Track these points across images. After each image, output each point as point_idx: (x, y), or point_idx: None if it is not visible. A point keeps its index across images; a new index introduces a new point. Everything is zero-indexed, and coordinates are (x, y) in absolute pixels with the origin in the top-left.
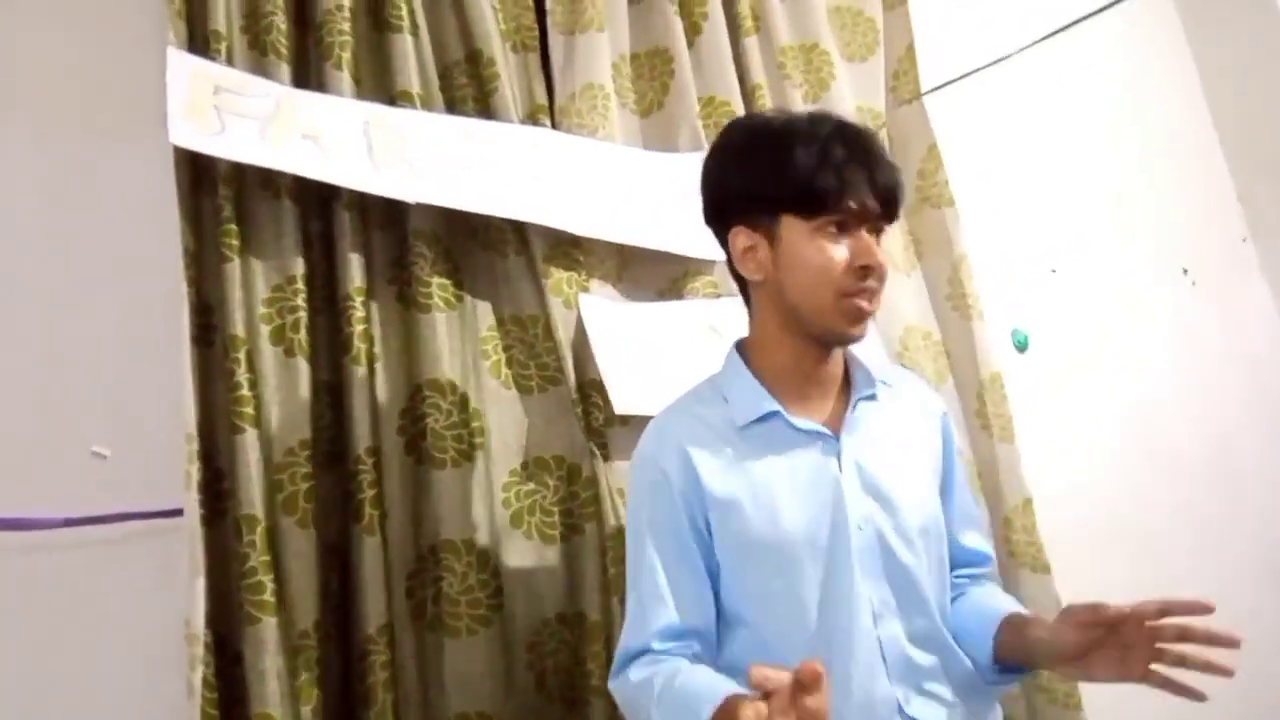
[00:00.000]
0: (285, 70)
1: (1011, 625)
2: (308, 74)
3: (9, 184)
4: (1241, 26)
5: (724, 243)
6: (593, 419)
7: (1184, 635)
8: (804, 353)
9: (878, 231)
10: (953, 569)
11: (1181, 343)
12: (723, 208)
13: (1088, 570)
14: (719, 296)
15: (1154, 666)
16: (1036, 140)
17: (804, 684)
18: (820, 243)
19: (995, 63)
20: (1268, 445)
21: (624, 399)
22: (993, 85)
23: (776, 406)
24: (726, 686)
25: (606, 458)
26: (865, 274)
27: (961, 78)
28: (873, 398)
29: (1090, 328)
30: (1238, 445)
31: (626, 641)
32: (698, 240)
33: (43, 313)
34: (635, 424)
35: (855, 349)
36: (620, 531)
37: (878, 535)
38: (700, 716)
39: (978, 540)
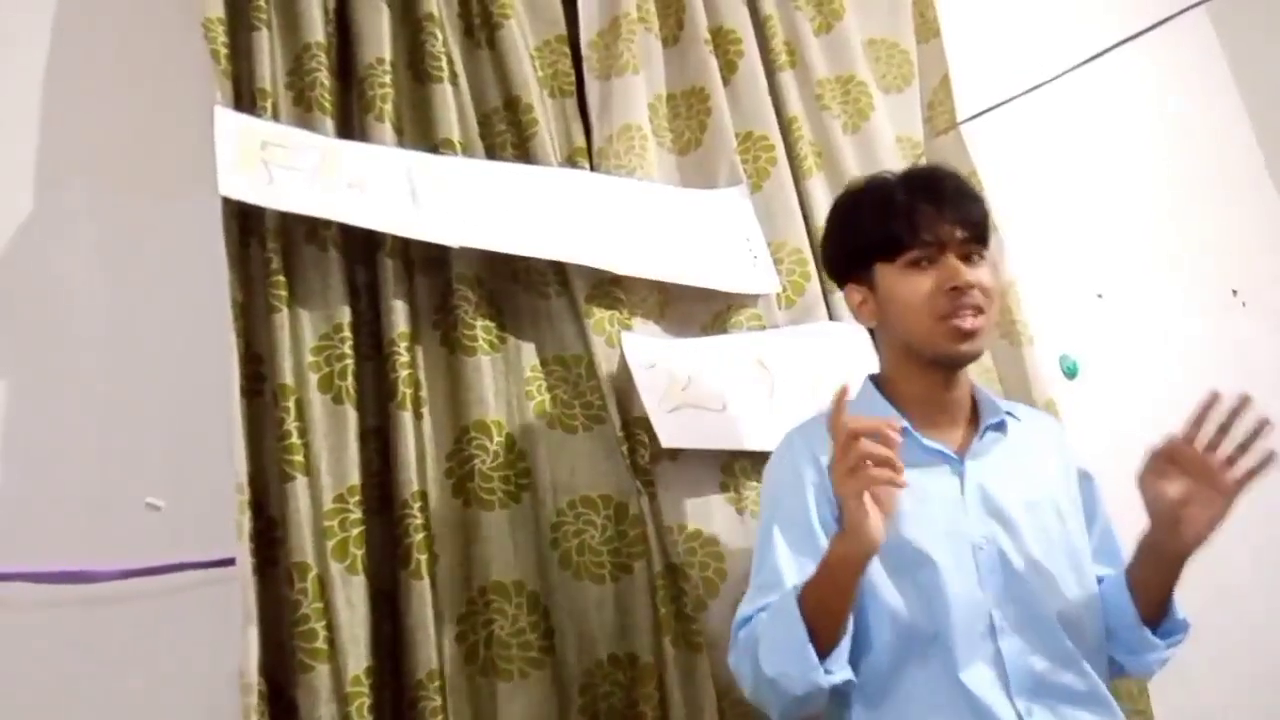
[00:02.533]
0: (329, 124)
1: (1132, 564)
2: (351, 127)
3: (67, 243)
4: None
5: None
6: (638, 456)
7: (1224, 428)
8: (929, 381)
9: (968, 257)
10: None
11: (1233, 364)
12: (835, 272)
13: None
14: (764, 329)
15: (1229, 475)
16: (1079, 165)
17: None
18: (909, 277)
19: (1032, 90)
20: None
21: (670, 433)
22: (1032, 111)
23: (905, 424)
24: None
25: (653, 496)
26: (958, 294)
27: (997, 106)
28: (1001, 427)
29: (1140, 352)
30: None
31: (738, 613)
32: (739, 275)
33: (98, 368)
34: (682, 460)
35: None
36: (669, 569)
37: (1000, 555)
38: (796, 590)
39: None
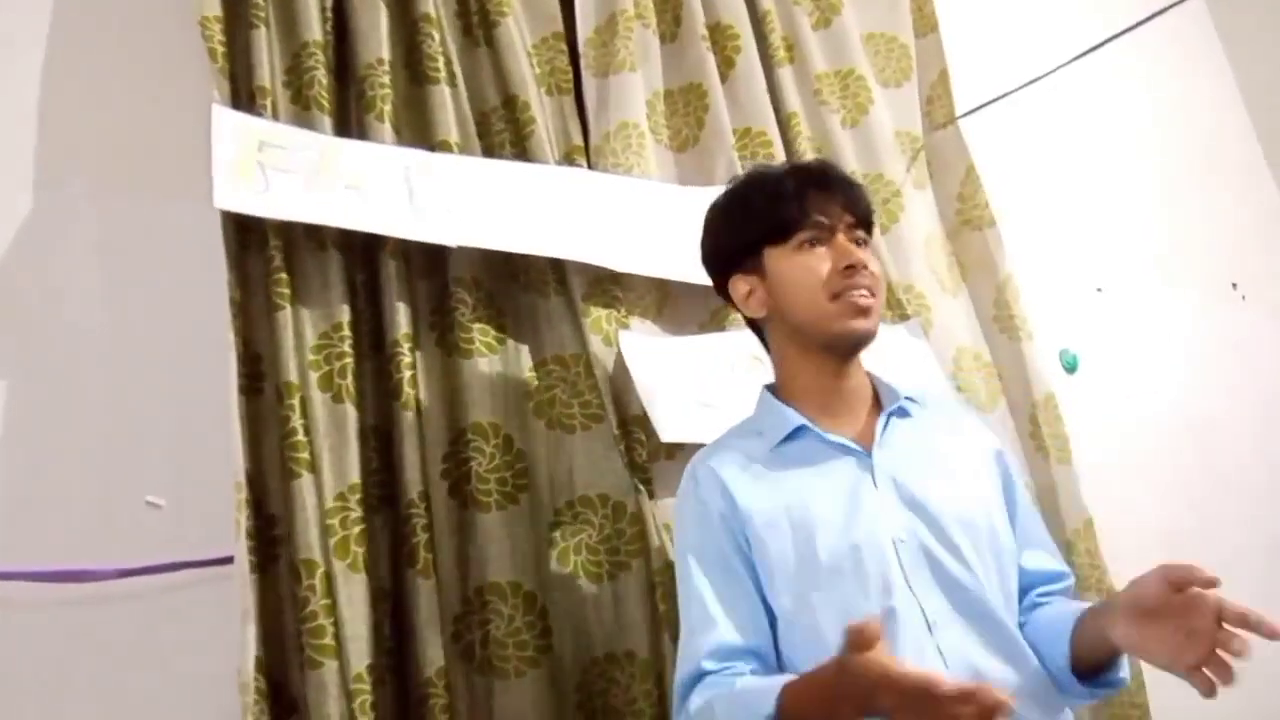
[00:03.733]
0: (327, 123)
1: (1084, 621)
2: (349, 126)
3: (66, 242)
4: (1275, 30)
5: (730, 300)
6: (636, 455)
7: (1243, 651)
8: (824, 369)
9: (858, 241)
10: (1026, 589)
11: (1233, 357)
12: (719, 268)
13: None
14: None
15: (1205, 669)
16: (1077, 158)
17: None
18: (801, 256)
19: (1030, 83)
20: None
21: (669, 428)
22: (1030, 105)
23: (804, 420)
24: (788, 676)
25: (651, 494)
26: (852, 273)
27: (995, 100)
28: (904, 414)
29: (1140, 346)
30: None
31: (679, 672)
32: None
33: (98, 367)
34: (681, 457)
35: (910, 373)
36: (668, 566)
37: (922, 548)
38: (767, 707)
39: (1050, 560)
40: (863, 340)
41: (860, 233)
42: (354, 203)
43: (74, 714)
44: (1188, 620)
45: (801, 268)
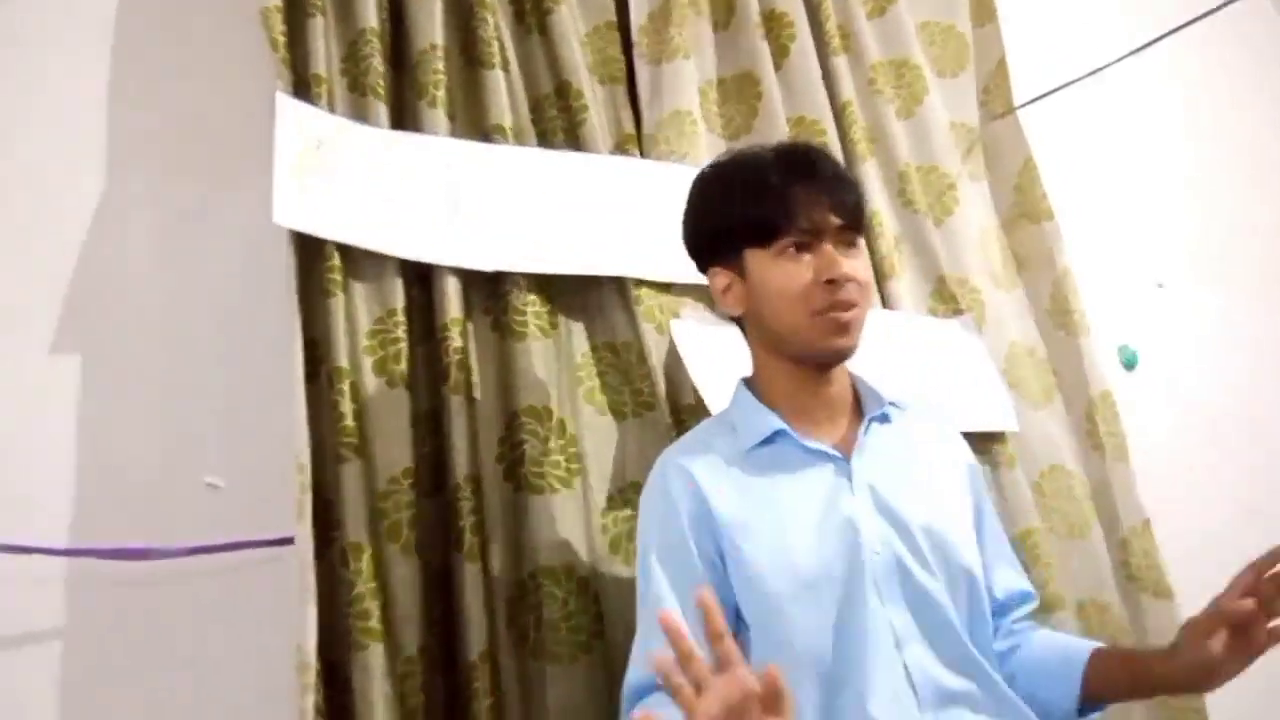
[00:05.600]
0: (383, 110)
1: (1109, 658)
2: (404, 112)
3: (132, 227)
4: None
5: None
6: None
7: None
8: (802, 376)
9: (847, 244)
10: (1000, 613)
11: None
12: (698, 254)
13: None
14: None
15: (1271, 625)
16: (1138, 151)
17: (769, 697)
18: (783, 265)
19: (1091, 74)
20: None
21: None
22: (1090, 96)
23: (782, 425)
24: None
25: None
26: (835, 287)
27: (1054, 91)
28: (885, 419)
29: (1201, 343)
30: None
31: (629, 675)
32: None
33: (161, 350)
34: None
35: (964, 369)
36: None
37: (895, 559)
38: None
39: (1017, 579)
40: (840, 358)
41: (850, 234)
42: (400, 222)
43: (135, 690)
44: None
45: (783, 275)
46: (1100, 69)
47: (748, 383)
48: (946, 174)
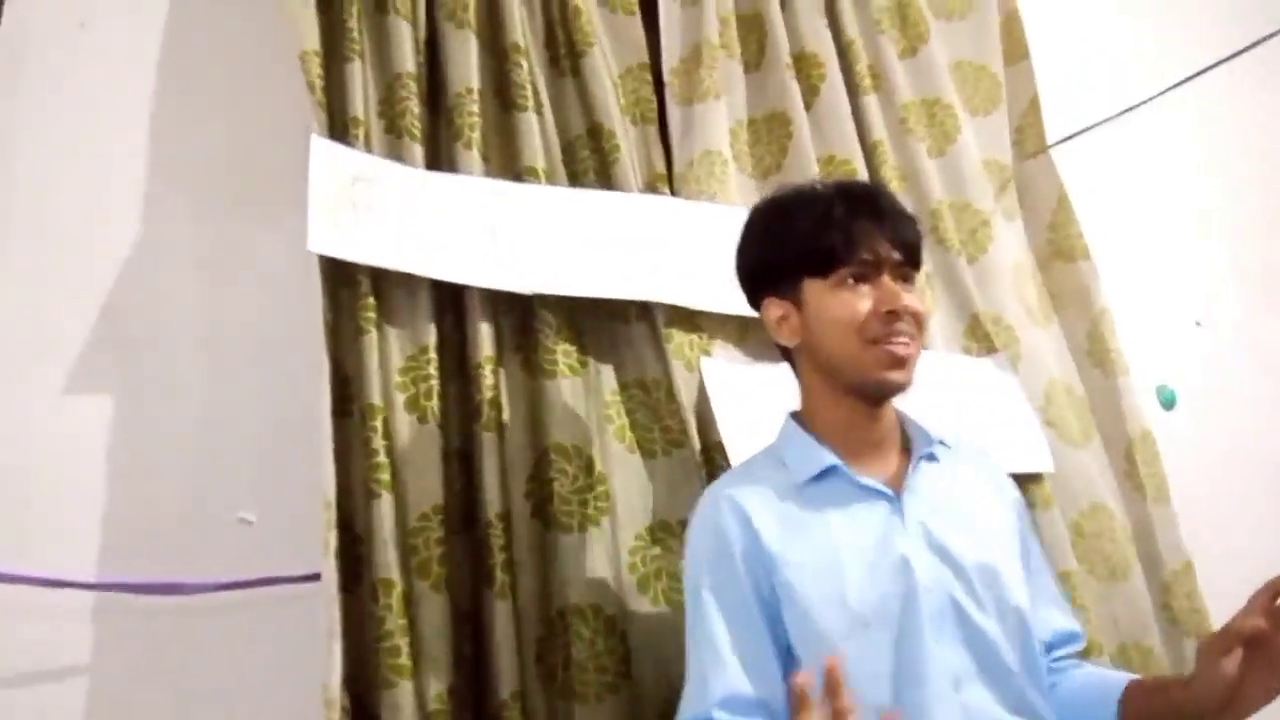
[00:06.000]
0: (418, 151)
1: (1143, 689)
2: (439, 154)
3: (169, 262)
4: None
5: (759, 312)
6: None
7: None
8: (854, 410)
9: (905, 279)
10: (1045, 652)
11: None
12: (753, 285)
13: None
14: None
15: None
16: (1174, 188)
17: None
18: (842, 295)
19: (1125, 112)
20: None
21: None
22: (1125, 133)
23: (835, 461)
24: None
25: None
26: (893, 319)
27: (1088, 129)
28: (933, 458)
29: (1240, 381)
30: None
31: (684, 714)
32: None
33: (196, 385)
34: None
35: (998, 407)
36: None
37: (950, 598)
38: None
39: (1064, 619)
40: (893, 392)
41: (909, 270)
42: (438, 247)
43: None
44: (1257, 651)
45: (840, 306)
46: (1133, 107)
47: (796, 417)
48: (979, 211)
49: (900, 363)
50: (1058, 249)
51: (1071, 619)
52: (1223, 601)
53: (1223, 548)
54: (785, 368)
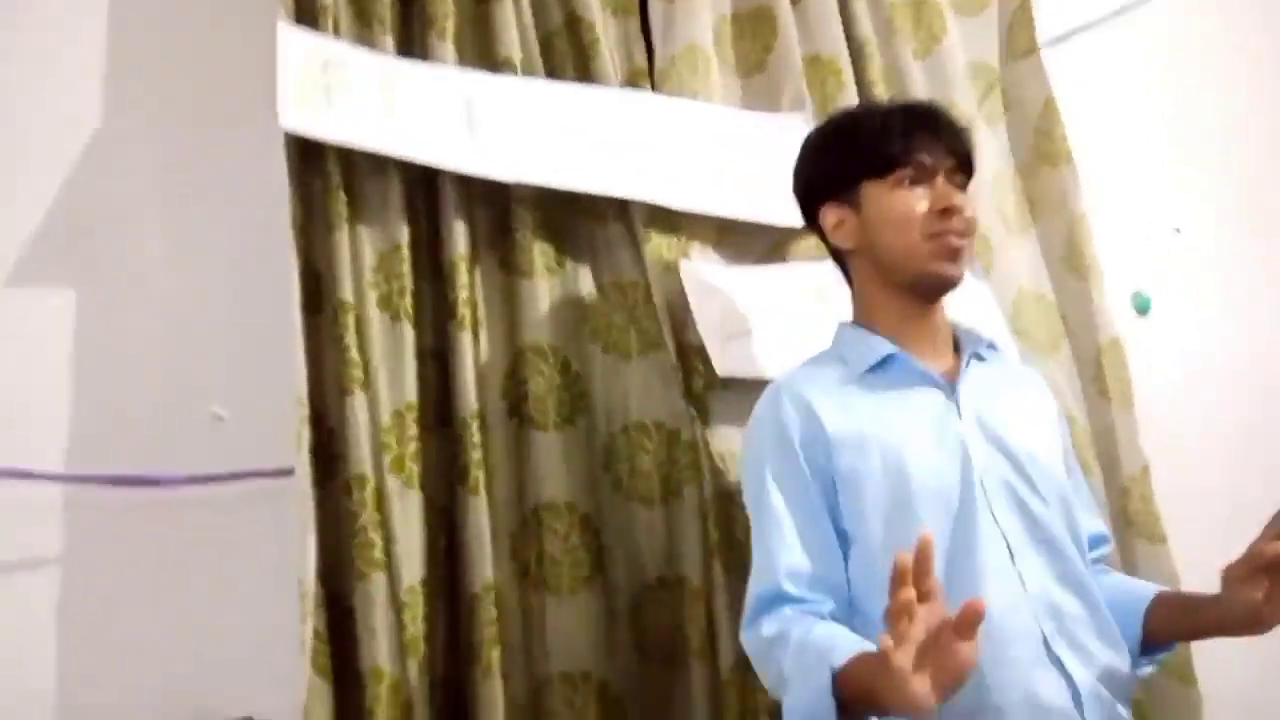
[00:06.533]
0: (389, 41)
1: (1168, 602)
2: (411, 44)
3: (133, 158)
4: None
5: (818, 229)
6: (693, 384)
7: None
8: (909, 308)
9: (957, 185)
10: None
11: None
12: (810, 195)
13: (1207, 542)
14: (822, 259)
15: None
16: (1162, 95)
17: (963, 625)
18: (900, 193)
19: (1118, 13)
20: None
21: (726, 362)
22: (1113, 37)
23: (894, 349)
24: (864, 645)
25: (706, 423)
26: (948, 215)
27: (1081, 29)
28: (982, 359)
29: (1216, 292)
30: None
31: (755, 589)
32: (795, 207)
33: (165, 281)
34: (736, 388)
35: (969, 314)
36: (720, 495)
37: (1004, 481)
38: (832, 663)
39: (1097, 523)
40: (949, 284)
41: (960, 178)
42: (415, 132)
43: (138, 615)
44: (1270, 573)
45: (899, 203)
46: (1127, 8)
47: (850, 325)
48: (961, 117)
49: (954, 254)
50: (1041, 154)
51: (1102, 523)
52: (1175, 505)
53: (1183, 456)
54: (763, 272)
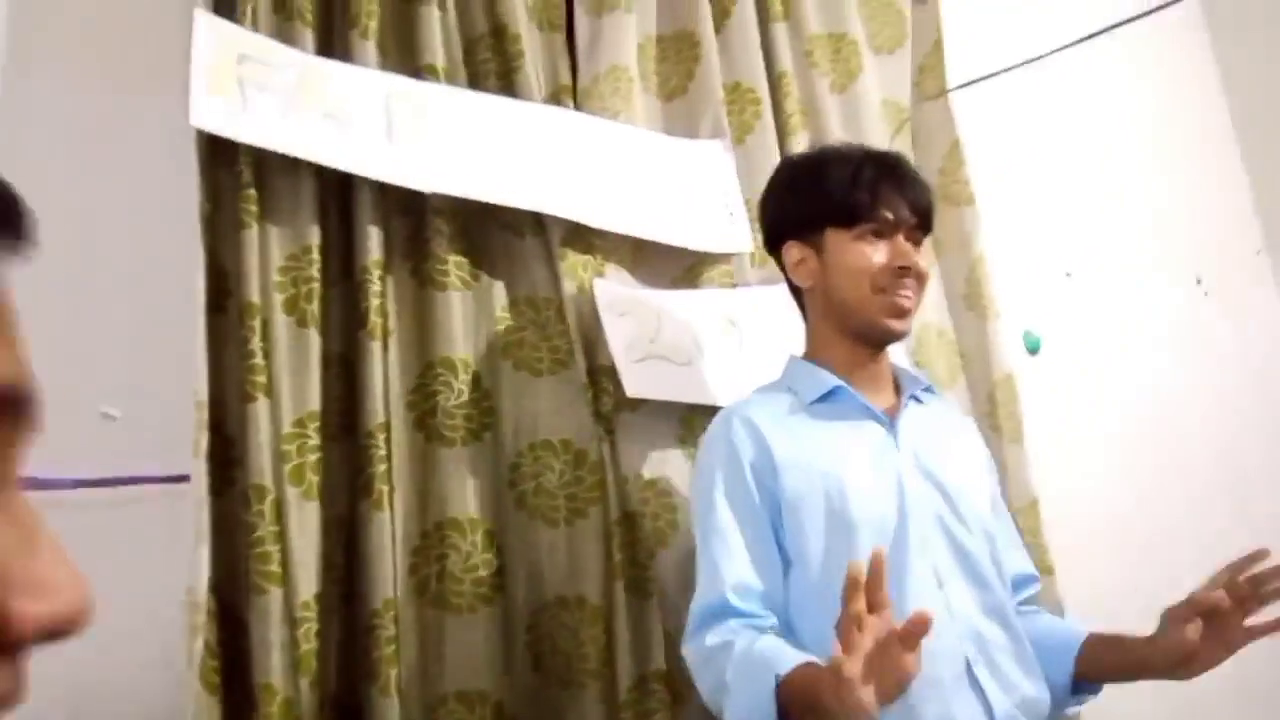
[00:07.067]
0: (310, 37)
1: (1100, 642)
2: (332, 42)
3: (33, 134)
4: (1268, 37)
5: (780, 262)
6: (602, 404)
7: (1257, 581)
8: (856, 352)
9: (915, 241)
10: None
11: (1192, 351)
12: (777, 230)
13: (1092, 574)
14: (734, 286)
15: (1247, 623)
16: (1058, 142)
17: (908, 636)
18: (860, 247)
19: (1023, 64)
20: (1274, 455)
21: (636, 383)
22: (1018, 85)
23: (841, 382)
24: (806, 656)
25: (613, 444)
26: (903, 273)
27: (989, 76)
28: (920, 400)
29: (1103, 332)
30: (1245, 453)
31: (701, 601)
32: (713, 233)
33: (59, 268)
34: (645, 410)
35: None
36: (625, 517)
37: (936, 515)
38: (776, 671)
39: (1024, 563)
40: (893, 338)
41: (920, 234)
42: (331, 135)
43: None
44: (1212, 619)
45: (858, 256)
46: (1035, 59)
47: (800, 358)
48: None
49: (902, 313)
50: (946, 193)
51: (1030, 563)
52: (1063, 537)
53: (1071, 489)
54: (677, 296)
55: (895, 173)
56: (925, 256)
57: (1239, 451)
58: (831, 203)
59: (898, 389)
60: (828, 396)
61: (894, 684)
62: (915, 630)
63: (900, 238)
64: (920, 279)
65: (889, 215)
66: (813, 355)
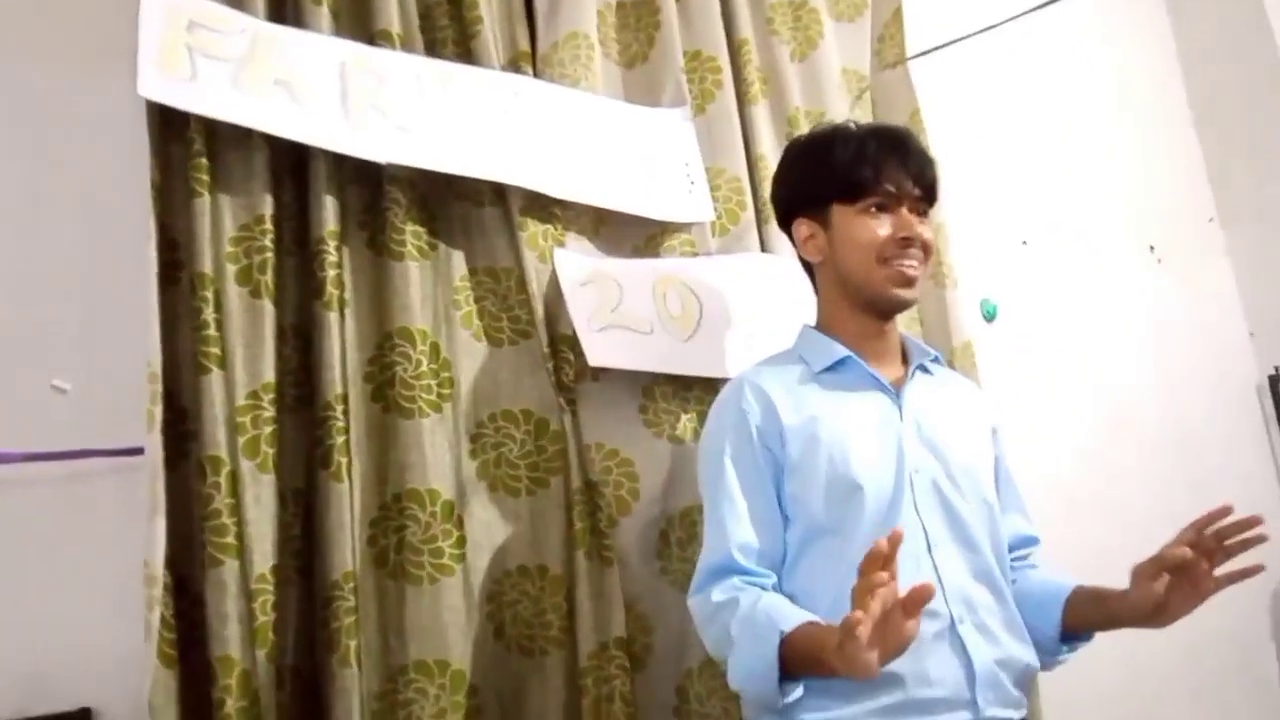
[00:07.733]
0: (261, 2)
1: (1084, 595)
2: (283, 7)
3: None
4: (1221, 7)
5: (791, 237)
6: (563, 374)
7: (1221, 536)
8: (865, 323)
9: (919, 213)
10: (1009, 551)
11: (1145, 318)
12: (787, 208)
13: (1052, 537)
14: (695, 255)
15: (1216, 573)
16: (1016, 111)
17: (911, 604)
18: (865, 220)
19: (982, 31)
20: (1224, 419)
21: (598, 352)
22: (977, 54)
23: (849, 353)
24: (808, 615)
25: (575, 413)
26: (907, 244)
27: (948, 44)
28: (926, 371)
29: (1058, 300)
30: (1197, 418)
31: (708, 558)
32: (674, 202)
33: (6, 240)
34: (606, 379)
35: None
36: (586, 486)
37: (932, 481)
38: (781, 628)
39: (1026, 525)
40: (901, 307)
41: (925, 205)
42: (283, 105)
43: None
44: (1182, 572)
45: (862, 229)
46: (991, 26)
47: (812, 328)
48: (833, 121)
49: (908, 282)
50: None
51: (1032, 525)
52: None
53: (1029, 454)
54: (638, 264)
55: (899, 147)
56: (930, 228)
57: (1190, 416)
58: (836, 178)
59: (906, 360)
60: (836, 366)
61: (895, 646)
62: (917, 600)
63: (904, 210)
64: (925, 249)
65: (892, 188)
66: (823, 326)
